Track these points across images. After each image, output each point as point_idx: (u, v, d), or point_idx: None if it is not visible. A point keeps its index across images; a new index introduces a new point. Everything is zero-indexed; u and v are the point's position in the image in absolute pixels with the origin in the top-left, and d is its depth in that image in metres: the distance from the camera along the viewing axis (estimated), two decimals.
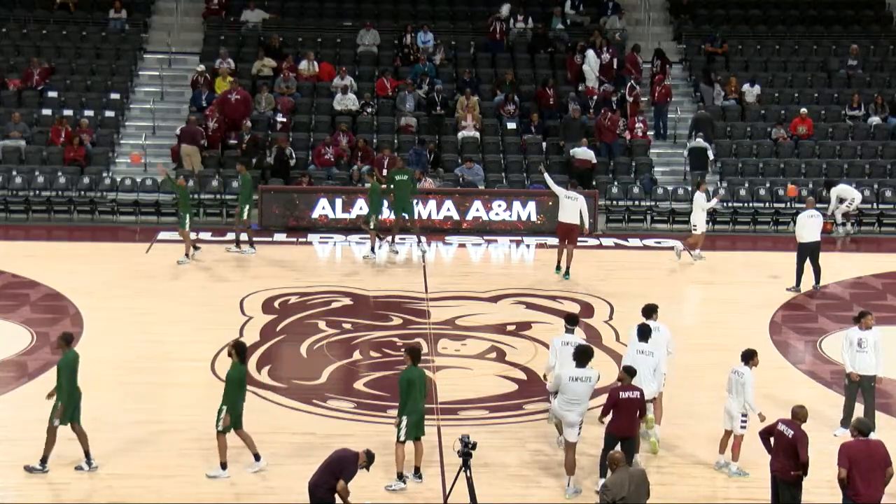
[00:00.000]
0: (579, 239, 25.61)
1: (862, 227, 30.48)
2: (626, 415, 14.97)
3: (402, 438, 15.22)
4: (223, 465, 15.55)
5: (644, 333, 16.43)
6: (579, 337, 17.34)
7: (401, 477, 15.31)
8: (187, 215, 25.42)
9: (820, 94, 34.46)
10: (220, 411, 15.45)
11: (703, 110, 32.69)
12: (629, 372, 15.45)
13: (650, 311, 17.19)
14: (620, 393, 15.06)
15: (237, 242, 26.53)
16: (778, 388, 19.16)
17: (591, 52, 33.49)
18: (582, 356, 15.39)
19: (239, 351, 15.62)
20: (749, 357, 16.03)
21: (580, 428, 15.29)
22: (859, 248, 29.02)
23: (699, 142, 31.48)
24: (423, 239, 26.99)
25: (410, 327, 21.72)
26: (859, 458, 13.14)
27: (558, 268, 25.05)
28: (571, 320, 17.15)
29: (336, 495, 13.68)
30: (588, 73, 33.44)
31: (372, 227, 26.18)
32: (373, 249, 26.28)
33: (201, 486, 15.32)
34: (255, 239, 26.96)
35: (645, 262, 26.82)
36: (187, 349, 20.37)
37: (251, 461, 15.72)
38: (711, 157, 31.56)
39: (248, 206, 26.29)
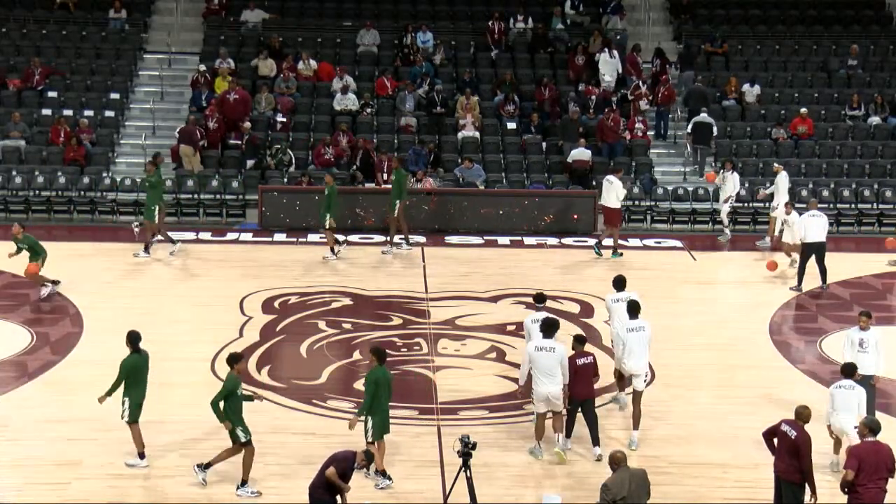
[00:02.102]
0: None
1: (862, 227, 30.51)
2: (584, 379, 16.31)
3: (370, 439, 15.30)
4: (140, 455, 15.78)
5: (634, 310, 17.14)
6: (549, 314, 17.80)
7: (385, 474, 15.37)
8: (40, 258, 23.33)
9: (820, 94, 34.45)
10: (123, 402, 15.69)
11: (698, 84, 33.16)
12: (580, 340, 16.67)
13: (622, 282, 18.39)
14: (577, 360, 16.34)
15: (171, 242, 26.09)
16: (778, 388, 19.18)
17: (615, 53, 33.57)
18: (549, 328, 16.35)
19: (131, 340, 15.93)
20: (851, 371, 16.05)
21: (563, 400, 16.15)
22: (859, 247, 29.04)
23: (703, 116, 31.68)
24: (395, 242, 27.04)
25: (410, 327, 21.72)
26: (868, 461, 13.17)
27: (599, 250, 26.80)
28: (539, 298, 17.95)
29: (337, 496, 13.69)
30: (603, 73, 33.46)
31: (328, 227, 26.18)
32: (332, 250, 26.28)
33: (201, 486, 15.31)
34: (254, 238, 26.95)
35: (645, 262, 26.80)
36: (187, 349, 20.37)
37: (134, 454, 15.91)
38: (715, 132, 31.85)
39: (156, 208, 25.65)
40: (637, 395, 17.01)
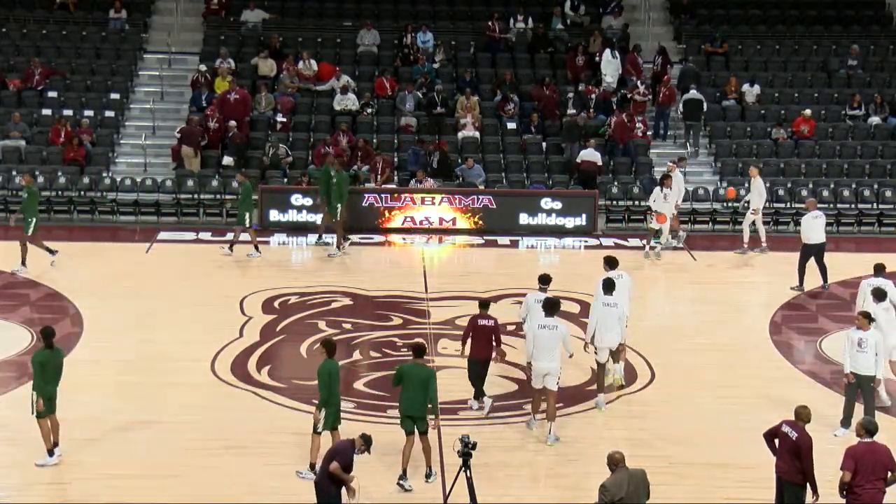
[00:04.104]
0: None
1: (862, 227, 30.52)
2: (482, 340, 17.54)
3: (319, 430, 15.42)
4: (49, 453, 15.75)
5: (609, 286, 18.13)
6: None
7: (312, 468, 15.40)
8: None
9: (820, 94, 34.46)
10: (31, 396, 15.73)
11: (690, 63, 34.05)
12: (484, 305, 18.02)
13: (613, 262, 19.20)
14: (478, 321, 17.66)
15: (44, 251, 24.89)
16: (778, 388, 19.19)
17: (616, 53, 33.68)
18: (550, 307, 17.14)
19: (43, 336, 16.00)
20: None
21: (559, 377, 16.93)
22: (859, 247, 29.04)
23: (693, 93, 32.56)
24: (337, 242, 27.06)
25: (410, 327, 21.71)
26: (864, 462, 13.16)
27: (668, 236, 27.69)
28: (545, 280, 18.65)
29: (343, 488, 13.70)
30: (605, 73, 33.53)
31: (248, 225, 26.08)
32: (256, 248, 26.19)
33: (201, 487, 15.32)
34: (256, 239, 27.03)
35: (645, 263, 26.78)
36: (187, 349, 20.37)
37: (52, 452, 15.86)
38: (705, 108, 32.76)
39: (33, 220, 24.55)
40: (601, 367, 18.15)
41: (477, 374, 17.84)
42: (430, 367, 16.45)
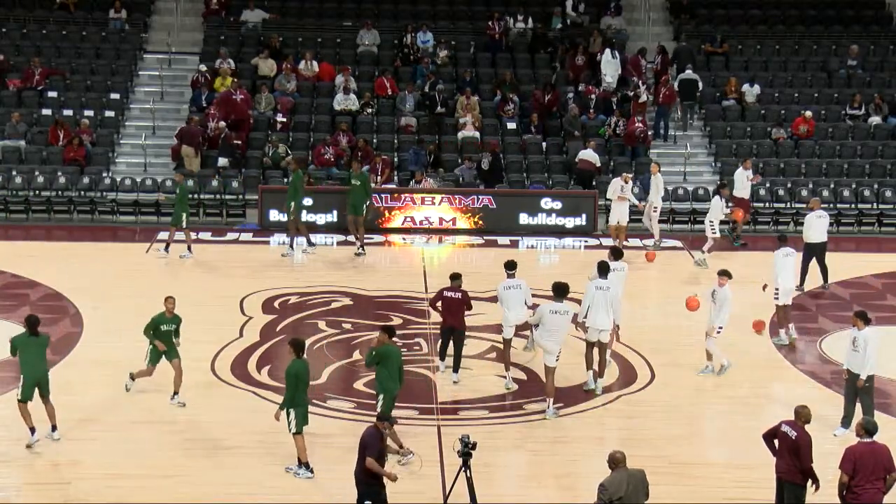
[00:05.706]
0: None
1: (862, 227, 30.52)
2: (451, 310, 18.85)
3: (294, 430, 15.50)
4: (32, 430, 16.10)
5: (603, 270, 18.79)
6: (521, 280, 19.32)
7: (308, 466, 15.55)
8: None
9: (820, 94, 34.46)
10: (19, 380, 16.13)
11: (684, 43, 34.62)
12: (454, 277, 19.10)
13: (618, 254, 20.33)
14: (445, 292, 18.94)
15: None
16: (778, 388, 19.19)
17: (615, 53, 33.72)
18: (560, 291, 17.78)
19: (28, 323, 16.44)
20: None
21: (558, 356, 17.59)
22: (859, 247, 29.06)
23: (688, 73, 33.17)
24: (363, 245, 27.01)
25: (410, 327, 21.71)
26: (864, 462, 13.16)
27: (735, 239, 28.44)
28: (510, 265, 19.36)
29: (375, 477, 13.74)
30: (605, 73, 33.53)
31: (176, 224, 25.97)
32: (189, 248, 26.14)
33: (201, 487, 15.33)
34: (254, 238, 26.99)
35: (644, 262, 26.77)
36: (187, 349, 20.31)
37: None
38: (701, 87, 33.40)
39: None
40: (602, 347, 18.56)
41: (444, 342, 19.12)
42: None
